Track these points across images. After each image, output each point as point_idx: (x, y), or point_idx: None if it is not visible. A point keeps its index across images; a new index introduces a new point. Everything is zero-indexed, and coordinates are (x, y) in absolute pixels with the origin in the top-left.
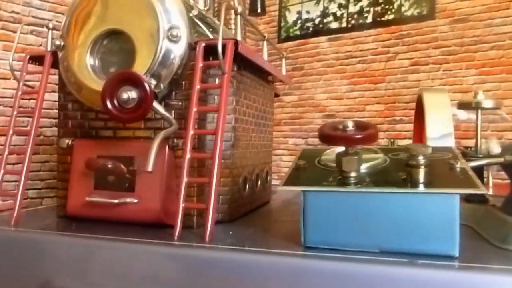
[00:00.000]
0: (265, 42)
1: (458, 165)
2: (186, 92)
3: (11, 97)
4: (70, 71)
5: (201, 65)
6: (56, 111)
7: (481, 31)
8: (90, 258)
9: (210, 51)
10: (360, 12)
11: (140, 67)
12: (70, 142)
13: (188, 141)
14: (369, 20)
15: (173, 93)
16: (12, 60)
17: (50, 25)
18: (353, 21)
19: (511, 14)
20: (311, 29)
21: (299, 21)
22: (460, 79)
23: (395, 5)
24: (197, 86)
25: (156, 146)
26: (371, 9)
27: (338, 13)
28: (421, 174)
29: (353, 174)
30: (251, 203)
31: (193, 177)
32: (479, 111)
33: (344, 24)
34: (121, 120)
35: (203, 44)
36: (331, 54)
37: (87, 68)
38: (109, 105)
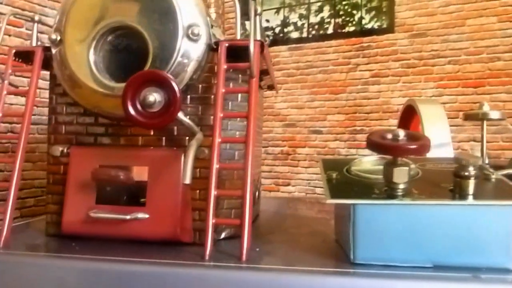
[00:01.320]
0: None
1: (494, 176)
2: (203, 96)
3: None
4: (67, 69)
5: (225, 67)
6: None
7: (439, 46)
8: (105, 284)
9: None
10: (321, 23)
11: (154, 67)
12: (65, 150)
13: (215, 150)
14: (330, 31)
15: (188, 97)
16: None
17: (36, 18)
18: (313, 32)
19: (466, 31)
20: (271, 37)
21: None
22: (419, 91)
23: (356, 18)
24: (222, 90)
25: (192, 156)
26: (332, 21)
27: (299, 23)
28: (471, 186)
29: (401, 186)
30: (254, 215)
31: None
32: (485, 122)
33: (305, 34)
34: (145, 126)
35: (226, 45)
36: (292, 63)
37: (89, 66)
38: (130, 109)
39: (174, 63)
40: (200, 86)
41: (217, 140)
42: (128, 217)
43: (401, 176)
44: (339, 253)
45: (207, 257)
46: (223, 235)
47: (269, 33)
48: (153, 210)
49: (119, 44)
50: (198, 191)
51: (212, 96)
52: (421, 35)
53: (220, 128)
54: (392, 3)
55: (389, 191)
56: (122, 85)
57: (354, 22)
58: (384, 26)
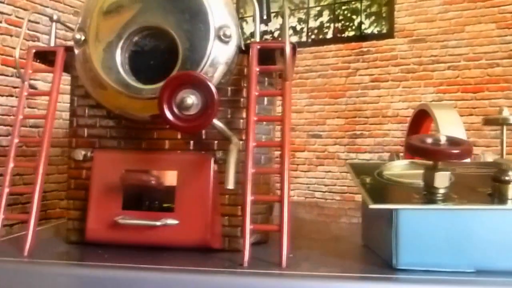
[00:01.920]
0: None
1: None
2: (233, 99)
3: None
4: (92, 70)
5: (257, 69)
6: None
7: (438, 52)
8: None
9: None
10: (320, 27)
11: (184, 69)
12: (88, 154)
13: (250, 154)
14: (329, 35)
15: None
16: (18, 54)
17: (55, 17)
18: (313, 36)
19: (465, 37)
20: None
21: None
22: (419, 96)
23: (355, 23)
24: (255, 93)
25: (234, 161)
26: (332, 25)
27: (298, 28)
28: (511, 190)
29: (442, 191)
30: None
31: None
32: (505, 127)
33: (304, 39)
34: (182, 130)
35: (258, 47)
36: None
37: (116, 67)
38: (167, 112)
39: (205, 66)
40: (229, 89)
41: (252, 144)
42: (158, 223)
43: (442, 180)
44: (373, 258)
45: (245, 264)
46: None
47: (268, 37)
48: (183, 216)
49: (145, 45)
50: (227, 196)
51: (242, 99)
52: (420, 41)
53: (254, 132)
54: (392, 8)
55: (428, 195)
56: (151, 87)
57: (353, 27)
58: (384, 31)
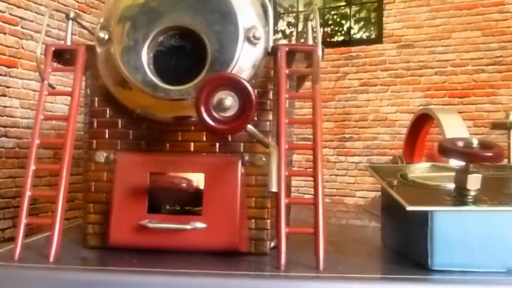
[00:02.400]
0: None
1: None
2: (259, 101)
3: None
4: (116, 70)
5: (287, 72)
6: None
7: (426, 57)
8: None
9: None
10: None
11: (214, 71)
12: (111, 156)
13: (283, 157)
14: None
15: None
16: (40, 53)
17: (72, 14)
18: (302, 40)
19: (451, 43)
20: None
21: None
22: (407, 100)
23: (345, 28)
24: (285, 95)
25: (276, 164)
26: (321, 30)
27: (287, 31)
28: None
29: (472, 193)
30: None
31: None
32: (511, 130)
33: (293, 43)
34: (220, 132)
35: (286, 49)
36: None
37: (143, 67)
38: (204, 114)
39: (235, 67)
40: (256, 91)
41: (284, 146)
42: (188, 227)
43: (474, 183)
44: (401, 259)
45: (283, 268)
46: (272, 245)
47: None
48: (211, 219)
49: (170, 45)
50: (253, 199)
51: (269, 102)
52: (408, 46)
53: (285, 134)
54: (380, 14)
55: (459, 197)
56: (179, 88)
57: (343, 32)
58: (373, 36)
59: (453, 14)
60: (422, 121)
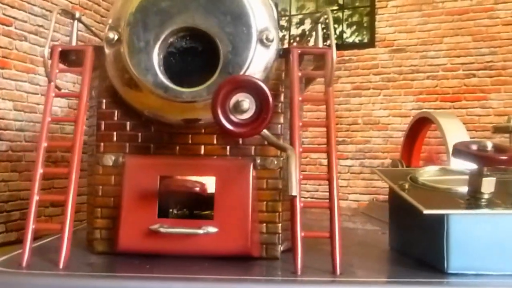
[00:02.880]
0: None
1: None
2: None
3: None
4: (126, 71)
5: (300, 74)
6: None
7: (418, 62)
8: None
9: None
10: (302, 35)
11: (226, 73)
12: (120, 159)
13: (298, 160)
14: (311, 43)
15: None
16: (47, 52)
17: (77, 15)
18: (294, 44)
19: (443, 48)
20: None
21: None
22: (400, 104)
23: (337, 31)
24: (299, 98)
25: (295, 168)
26: (313, 33)
27: (280, 35)
28: None
29: (486, 196)
30: None
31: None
32: None
33: (286, 46)
34: (238, 135)
35: (299, 51)
36: None
37: (154, 69)
38: (221, 116)
39: (248, 69)
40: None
41: (299, 149)
42: (201, 231)
43: (489, 186)
44: (413, 262)
45: (299, 272)
46: (282, 248)
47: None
48: (222, 224)
49: (181, 47)
50: (265, 202)
51: (280, 104)
52: (400, 51)
53: (300, 137)
54: (373, 19)
55: (473, 201)
56: (191, 90)
57: (335, 36)
58: (365, 40)
59: (445, 19)
60: (420, 124)
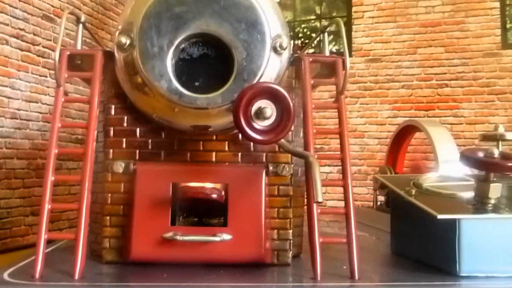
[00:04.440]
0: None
1: None
2: None
3: None
4: (138, 76)
5: (312, 82)
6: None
7: (393, 71)
8: None
9: None
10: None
11: (241, 80)
12: (132, 166)
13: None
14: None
15: None
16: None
17: (82, 18)
18: (311, 50)
19: (417, 58)
20: None
21: None
22: (376, 112)
23: (315, 41)
24: (311, 106)
25: (319, 174)
26: (291, 42)
27: None
28: None
29: (492, 201)
30: None
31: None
32: (500, 142)
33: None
34: (260, 142)
35: (310, 59)
36: None
37: (168, 75)
38: (243, 123)
39: (262, 76)
40: None
41: (313, 156)
42: (218, 238)
43: (496, 191)
44: (422, 266)
45: (318, 278)
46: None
47: None
48: (236, 231)
49: (193, 53)
50: (276, 209)
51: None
52: (376, 60)
53: (313, 144)
54: (350, 29)
55: (480, 205)
56: (206, 96)
57: (313, 45)
58: (342, 50)
59: (418, 30)
60: (406, 131)
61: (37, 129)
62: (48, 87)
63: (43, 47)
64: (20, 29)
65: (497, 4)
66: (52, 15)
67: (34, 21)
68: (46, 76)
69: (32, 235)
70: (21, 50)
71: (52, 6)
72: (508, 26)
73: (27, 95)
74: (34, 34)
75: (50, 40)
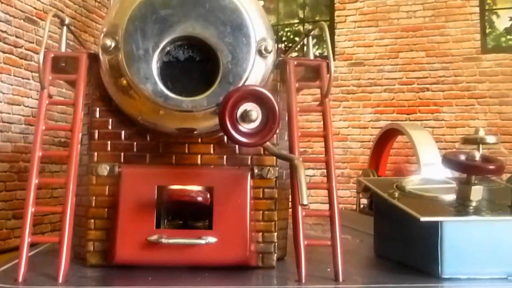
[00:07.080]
0: None
1: None
2: None
3: None
4: (123, 79)
5: (297, 85)
6: None
7: (375, 75)
8: None
9: None
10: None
11: (227, 82)
12: (116, 169)
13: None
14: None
15: None
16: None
17: (67, 20)
18: (295, 54)
19: (399, 62)
20: None
21: None
22: (358, 116)
23: (298, 45)
24: (296, 109)
25: (304, 177)
26: (275, 45)
27: None
28: None
29: (474, 204)
30: None
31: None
32: (481, 145)
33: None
34: (246, 145)
35: (295, 63)
36: None
37: (153, 77)
38: (229, 125)
39: (247, 79)
40: None
41: (298, 159)
42: (203, 241)
43: (477, 194)
44: (405, 268)
45: (303, 280)
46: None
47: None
48: (221, 233)
49: (178, 56)
50: (261, 212)
51: None
52: (359, 64)
53: (298, 147)
54: (333, 32)
55: (461, 208)
56: (192, 99)
57: (296, 49)
58: (325, 53)
59: (400, 35)
60: (389, 135)
61: (20, 132)
62: (30, 89)
63: (26, 49)
64: (2, 31)
65: (477, 10)
66: (34, 18)
67: (17, 23)
68: (28, 79)
69: (14, 239)
70: (3, 52)
71: (35, 9)
72: (487, 31)
73: (9, 98)
74: (17, 37)
75: (33, 43)
